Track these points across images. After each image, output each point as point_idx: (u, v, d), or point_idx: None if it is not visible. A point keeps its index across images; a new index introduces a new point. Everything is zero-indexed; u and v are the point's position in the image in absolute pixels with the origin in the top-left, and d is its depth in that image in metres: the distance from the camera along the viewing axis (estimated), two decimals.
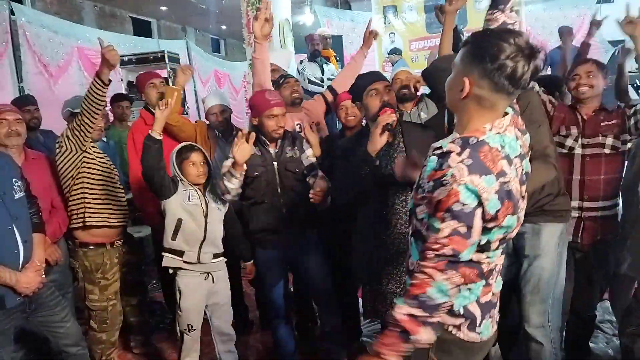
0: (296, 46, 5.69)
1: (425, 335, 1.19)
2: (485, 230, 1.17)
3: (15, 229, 1.97)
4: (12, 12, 5.98)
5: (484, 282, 1.27)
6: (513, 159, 1.20)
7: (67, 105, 2.66)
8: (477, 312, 1.29)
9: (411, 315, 1.18)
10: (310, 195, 2.16)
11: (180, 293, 2.34)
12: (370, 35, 2.97)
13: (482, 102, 1.19)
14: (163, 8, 11.25)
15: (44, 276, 2.08)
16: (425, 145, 1.84)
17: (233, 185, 2.22)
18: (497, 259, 1.29)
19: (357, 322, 2.95)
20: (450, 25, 2.22)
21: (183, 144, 2.39)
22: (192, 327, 2.36)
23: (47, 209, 2.42)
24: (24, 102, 3.31)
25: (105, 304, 2.54)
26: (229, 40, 15.66)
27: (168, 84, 2.93)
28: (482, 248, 1.21)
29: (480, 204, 1.12)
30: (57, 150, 2.45)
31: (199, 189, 2.33)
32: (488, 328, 1.33)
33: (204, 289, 2.37)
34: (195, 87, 8.87)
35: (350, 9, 9.96)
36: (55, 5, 9.13)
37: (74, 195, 2.48)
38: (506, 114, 1.23)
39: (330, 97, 2.94)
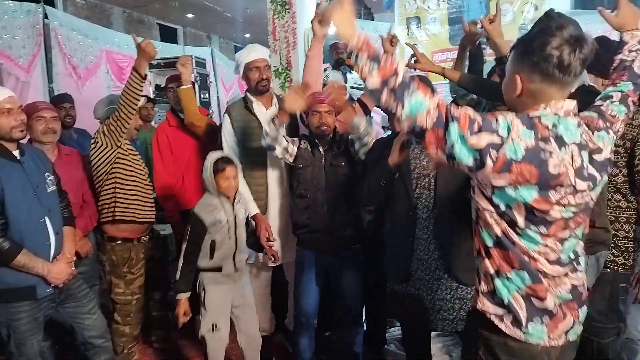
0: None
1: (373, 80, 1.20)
2: (498, 189, 1.18)
3: (47, 221, 2.05)
4: (45, 16, 6.18)
5: (526, 275, 1.23)
6: (568, 142, 1.17)
7: (108, 102, 2.69)
8: (522, 310, 1.25)
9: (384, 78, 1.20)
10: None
11: (205, 290, 2.33)
12: (389, 41, 2.86)
13: (537, 96, 1.21)
14: (190, 15, 11.47)
15: (73, 268, 2.15)
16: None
17: (270, 130, 2.24)
18: (553, 266, 1.24)
19: (384, 329, 2.93)
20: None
21: (219, 154, 2.34)
22: (216, 326, 2.30)
23: (78, 203, 2.51)
24: (60, 100, 3.41)
25: (130, 297, 2.60)
26: None
27: (194, 88, 2.99)
28: (511, 224, 1.21)
29: (503, 144, 1.12)
30: (92, 146, 2.52)
31: (227, 200, 2.32)
32: (542, 334, 1.26)
33: (228, 288, 2.37)
34: (218, 93, 9.01)
35: (373, 19, 10.04)
36: (85, 9, 9.39)
37: (106, 189, 2.55)
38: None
39: (358, 109, 2.93)
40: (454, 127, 1.14)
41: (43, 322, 2.10)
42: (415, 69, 2.35)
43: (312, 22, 2.47)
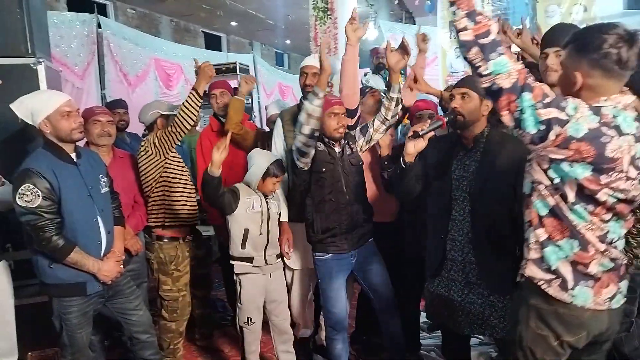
0: (360, 60, 5.75)
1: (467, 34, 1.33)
2: (555, 162, 1.30)
3: (100, 220, 2.15)
4: (99, 25, 6.48)
5: (576, 243, 1.35)
6: (626, 132, 1.28)
7: (153, 107, 2.79)
8: (569, 275, 1.37)
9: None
10: None
11: (240, 286, 2.43)
12: (422, 39, 2.78)
13: (596, 90, 1.32)
14: (233, 23, 11.74)
15: (122, 266, 2.24)
16: (509, 155, 1.90)
17: (314, 105, 2.18)
18: (597, 233, 1.35)
19: (417, 334, 2.90)
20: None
21: (277, 159, 2.42)
22: (251, 320, 2.43)
23: (129, 203, 2.62)
24: (115, 105, 3.58)
25: (177, 294, 2.68)
26: (292, 54, 16.07)
27: (234, 94, 3.06)
28: (563, 198, 1.33)
29: (568, 122, 1.24)
30: (142, 153, 2.62)
31: (262, 195, 2.41)
32: (588, 297, 1.37)
33: (262, 284, 2.45)
34: (259, 98, 9.17)
35: (414, 23, 9.95)
36: (136, 19, 9.79)
37: (155, 195, 2.66)
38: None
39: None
40: (527, 96, 1.27)
41: (92, 317, 2.19)
42: (412, 90, 2.40)
43: (346, 27, 2.50)
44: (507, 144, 1.96)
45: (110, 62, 6.63)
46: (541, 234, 1.40)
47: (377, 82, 4.81)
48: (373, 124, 2.42)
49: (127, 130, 3.62)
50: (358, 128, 2.50)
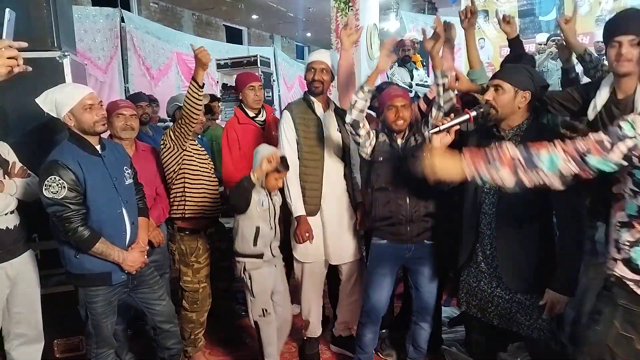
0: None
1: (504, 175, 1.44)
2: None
3: (124, 211, 2.18)
4: (122, 19, 6.56)
5: None
6: None
7: (173, 100, 2.87)
8: None
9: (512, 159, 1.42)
10: None
11: (250, 279, 2.41)
12: (442, 28, 2.38)
13: None
14: (254, 17, 11.77)
15: (146, 257, 2.27)
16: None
17: (359, 98, 2.24)
18: None
19: (439, 330, 2.88)
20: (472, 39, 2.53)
21: (279, 152, 2.41)
22: (266, 311, 2.42)
23: (152, 195, 2.65)
24: (137, 98, 3.62)
25: (197, 285, 2.70)
26: (313, 47, 16.03)
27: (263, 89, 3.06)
28: None
29: (636, 138, 1.29)
30: (162, 147, 2.65)
31: (267, 192, 2.41)
32: None
33: (270, 274, 2.46)
34: (280, 91, 9.18)
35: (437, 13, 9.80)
36: (158, 13, 9.88)
37: (176, 187, 2.67)
38: None
39: (423, 106, 2.80)
40: (591, 159, 1.35)
41: (116, 306, 2.23)
42: (454, 90, 2.30)
43: (340, 33, 2.52)
44: (544, 137, 1.89)
45: (134, 55, 6.72)
46: (631, 234, 1.41)
47: (403, 75, 4.77)
48: (431, 115, 2.37)
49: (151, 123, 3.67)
50: (423, 120, 2.45)
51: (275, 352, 2.51)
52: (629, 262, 1.41)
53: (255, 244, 2.38)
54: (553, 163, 1.37)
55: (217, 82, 6.52)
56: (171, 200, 2.70)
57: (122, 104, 2.64)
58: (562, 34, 2.41)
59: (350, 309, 2.79)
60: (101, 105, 2.15)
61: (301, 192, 2.59)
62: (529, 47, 5.83)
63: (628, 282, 1.40)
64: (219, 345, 3.03)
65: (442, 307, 2.95)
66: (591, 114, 2.06)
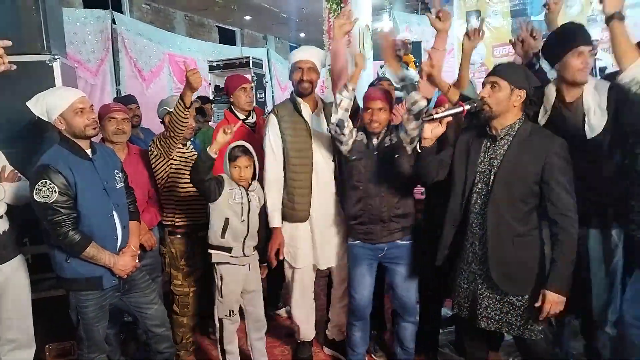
0: (374, 52, 5.72)
1: None
2: None
3: (115, 215, 2.17)
4: (113, 21, 6.52)
5: None
6: None
7: (163, 104, 2.85)
8: None
9: None
10: None
11: (221, 280, 2.43)
12: (437, 17, 2.50)
13: None
14: (247, 17, 11.74)
15: (137, 261, 2.26)
16: (537, 150, 1.87)
17: (344, 96, 2.26)
18: None
19: (437, 331, 2.88)
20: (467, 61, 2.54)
21: (236, 143, 2.41)
22: (233, 312, 2.46)
23: (144, 199, 2.64)
24: (127, 100, 3.59)
25: (187, 289, 2.70)
26: None
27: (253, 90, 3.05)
28: None
29: None
30: (150, 153, 2.65)
31: (242, 187, 2.41)
32: None
33: (242, 276, 2.46)
34: (273, 92, 9.17)
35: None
36: (150, 14, 9.83)
37: (166, 195, 2.68)
38: None
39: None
40: None
41: (108, 310, 2.22)
42: (428, 74, 2.30)
43: (334, 22, 2.53)
44: (535, 138, 1.90)
45: (125, 57, 6.69)
46: None
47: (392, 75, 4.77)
48: (403, 117, 2.41)
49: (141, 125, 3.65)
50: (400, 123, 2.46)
51: (236, 349, 2.54)
52: None
53: (223, 235, 2.38)
54: None
55: (210, 83, 6.49)
56: (162, 206, 2.70)
57: (114, 108, 2.63)
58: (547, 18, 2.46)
59: (342, 311, 2.79)
60: (92, 109, 2.14)
61: (290, 199, 2.55)
62: None
63: None
64: (213, 349, 3.02)
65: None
66: (542, 119, 2.17)
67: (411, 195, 2.44)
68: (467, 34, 2.56)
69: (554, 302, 1.82)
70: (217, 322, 2.49)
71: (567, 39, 2.03)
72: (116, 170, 2.25)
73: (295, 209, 2.56)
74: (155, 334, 2.36)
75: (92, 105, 2.15)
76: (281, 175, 2.56)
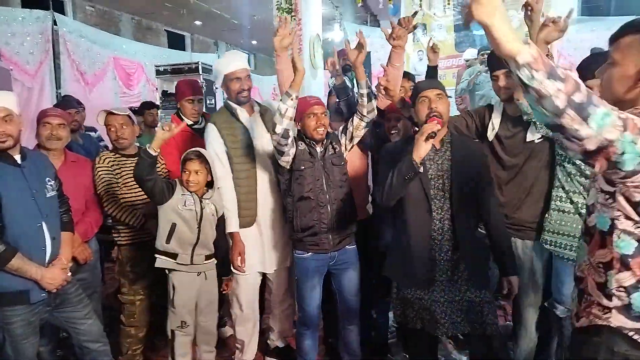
0: (325, 62, 5.76)
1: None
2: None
3: (44, 225, 2.05)
4: (54, 23, 6.25)
5: None
6: None
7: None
8: None
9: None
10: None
11: (174, 289, 2.37)
12: (400, 25, 2.63)
13: None
14: (197, 23, 11.55)
15: (69, 274, 2.14)
16: (472, 155, 2.02)
17: (288, 105, 2.17)
18: None
19: (385, 337, 2.90)
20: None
21: (191, 150, 2.38)
22: (185, 323, 2.39)
23: (80, 209, 2.51)
24: (66, 104, 3.44)
25: (133, 297, 2.59)
26: (258, 55, 15.96)
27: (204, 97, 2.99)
28: None
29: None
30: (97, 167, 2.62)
31: (195, 194, 2.36)
32: None
33: (196, 286, 2.41)
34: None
35: (379, 26, 10.03)
36: (94, 16, 9.49)
37: (106, 203, 2.60)
38: None
39: None
40: (628, 136, 1.04)
41: (38, 326, 2.09)
42: (386, 89, 2.40)
43: (274, 39, 2.50)
44: (470, 146, 2.11)
45: (67, 60, 6.42)
46: (627, 277, 1.18)
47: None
48: (352, 122, 2.42)
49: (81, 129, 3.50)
50: (340, 128, 2.49)
51: None
52: (628, 310, 1.18)
53: (168, 241, 2.32)
54: (603, 122, 1.02)
55: (157, 88, 6.33)
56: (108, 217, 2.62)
57: (50, 113, 2.52)
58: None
59: (284, 316, 2.79)
60: (13, 116, 1.97)
61: (237, 205, 2.53)
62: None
63: (629, 333, 1.19)
64: None
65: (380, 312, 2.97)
66: (491, 135, 2.30)
67: (354, 200, 2.47)
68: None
69: (514, 283, 2.06)
70: (169, 334, 2.41)
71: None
72: (48, 178, 2.13)
73: (242, 214, 2.53)
74: (91, 350, 2.25)
75: (10, 114, 1.97)
76: (231, 181, 2.53)
